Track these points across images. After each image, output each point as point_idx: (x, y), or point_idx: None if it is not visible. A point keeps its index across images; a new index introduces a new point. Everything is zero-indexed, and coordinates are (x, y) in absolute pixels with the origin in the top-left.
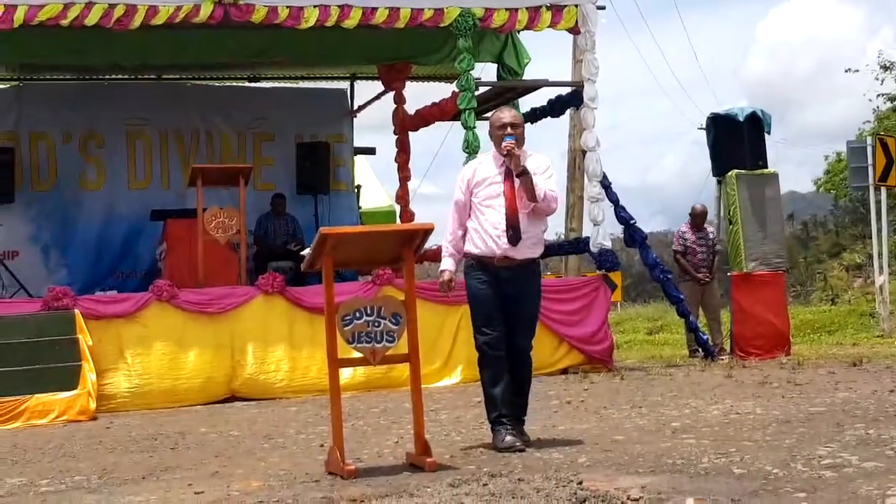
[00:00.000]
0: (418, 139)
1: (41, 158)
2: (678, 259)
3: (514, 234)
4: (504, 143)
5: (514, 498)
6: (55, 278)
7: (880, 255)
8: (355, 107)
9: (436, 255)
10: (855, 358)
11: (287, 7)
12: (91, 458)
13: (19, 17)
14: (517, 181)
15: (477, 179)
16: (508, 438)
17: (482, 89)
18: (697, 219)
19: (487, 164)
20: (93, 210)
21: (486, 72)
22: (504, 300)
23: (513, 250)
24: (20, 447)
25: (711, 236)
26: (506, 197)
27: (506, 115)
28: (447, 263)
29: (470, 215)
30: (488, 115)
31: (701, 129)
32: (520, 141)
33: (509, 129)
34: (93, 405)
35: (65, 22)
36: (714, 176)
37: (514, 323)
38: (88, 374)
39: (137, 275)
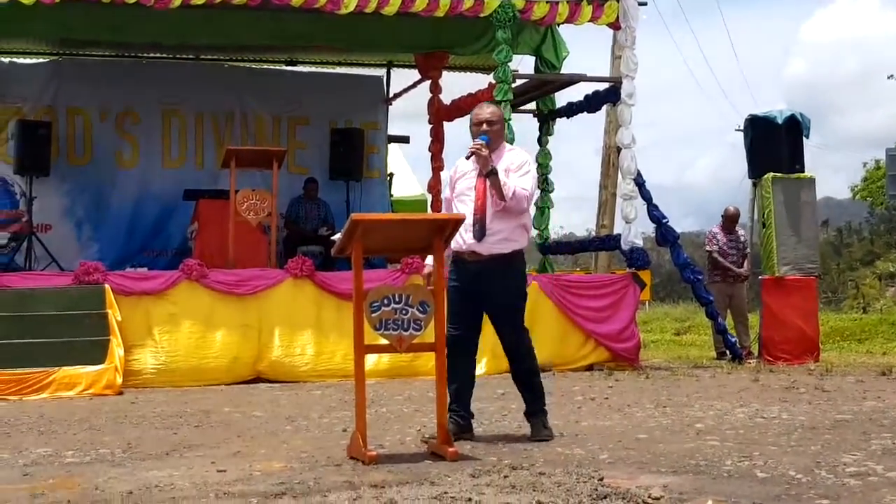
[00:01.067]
0: (453, 129)
1: (77, 134)
2: (716, 258)
3: (479, 230)
4: (472, 145)
5: (534, 491)
6: (87, 253)
7: None
8: (391, 94)
9: None
10: (884, 367)
11: None
12: (116, 431)
13: None
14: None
15: (458, 175)
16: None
17: (519, 82)
18: (729, 221)
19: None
20: (126, 187)
21: (523, 64)
22: (478, 297)
23: (478, 245)
24: (46, 418)
25: (742, 239)
26: (476, 191)
27: (484, 112)
28: (429, 259)
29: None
30: (524, 107)
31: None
32: (497, 137)
33: (485, 127)
34: (119, 380)
35: None
36: (750, 178)
37: (493, 318)
38: (116, 349)
39: (168, 253)
